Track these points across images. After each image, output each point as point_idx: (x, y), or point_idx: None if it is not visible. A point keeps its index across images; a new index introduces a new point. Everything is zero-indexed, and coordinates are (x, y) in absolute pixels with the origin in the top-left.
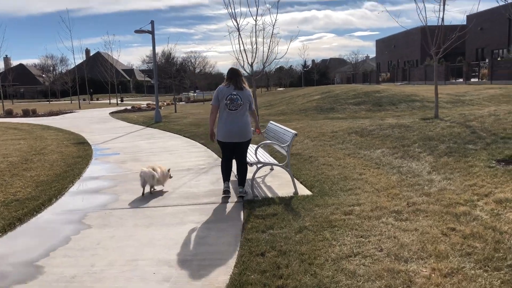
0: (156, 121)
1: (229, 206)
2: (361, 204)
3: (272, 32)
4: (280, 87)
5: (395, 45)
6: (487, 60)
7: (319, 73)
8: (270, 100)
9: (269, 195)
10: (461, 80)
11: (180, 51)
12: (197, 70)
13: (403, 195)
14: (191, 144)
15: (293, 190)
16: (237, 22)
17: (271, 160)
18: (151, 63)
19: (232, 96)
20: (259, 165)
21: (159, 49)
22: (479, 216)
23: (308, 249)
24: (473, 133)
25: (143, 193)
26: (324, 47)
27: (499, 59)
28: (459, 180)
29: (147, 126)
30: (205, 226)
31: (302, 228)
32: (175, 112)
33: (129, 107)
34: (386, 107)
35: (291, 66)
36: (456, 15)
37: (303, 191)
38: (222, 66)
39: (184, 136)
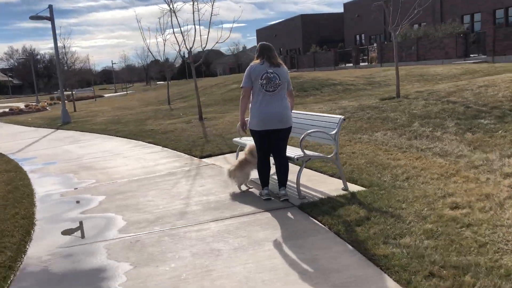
0: (65, 122)
1: (287, 213)
2: (452, 194)
3: (211, 13)
4: (160, 81)
5: (276, 35)
6: (375, 45)
7: (205, 64)
8: (178, 92)
9: (317, 194)
10: (350, 64)
11: (40, 47)
12: (66, 67)
13: (486, 179)
14: (137, 144)
15: (336, 186)
16: (172, 3)
17: (313, 152)
18: (12, 60)
19: (269, 75)
20: (306, 159)
21: (19, 45)
22: None
23: (488, 260)
24: (468, 107)
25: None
26: (196, 39)
27: (386, 42)
28: None
29: (57, 129)
30: (292, 244)
31: (430, 232)
32: (75, 111)
33: (6, 110)
34: (312, 92)
35: (167, 58)
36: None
37: (351, 186)
38: (91, 61)
39: (117, 136)
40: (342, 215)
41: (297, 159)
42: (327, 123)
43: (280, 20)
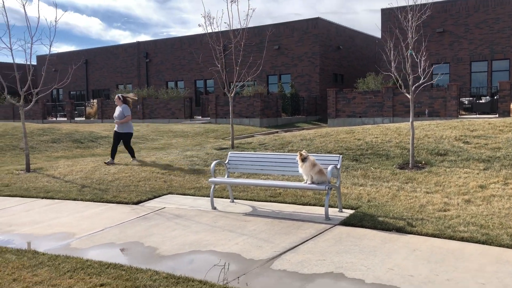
0: None
1: (341, 230)
2: (435, 202)
3: None
4: None
5: None
6: (94, 100)
7: None
8: None
9: (335, 216)
10: (64, 119)
11: None
12: None
13: (423, 192)
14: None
15: (332, 210)
16: None
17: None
18: None
19: None
20: (331, 187)
21: None
22: None
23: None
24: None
25: None
26: None
27: (107, 100)
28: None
29: None
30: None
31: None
32: None
33: None
34: (90, 144)
35: None
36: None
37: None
38: None
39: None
40: (382, 222)
41: (329, 188)
42: (329, 160)
43: None
